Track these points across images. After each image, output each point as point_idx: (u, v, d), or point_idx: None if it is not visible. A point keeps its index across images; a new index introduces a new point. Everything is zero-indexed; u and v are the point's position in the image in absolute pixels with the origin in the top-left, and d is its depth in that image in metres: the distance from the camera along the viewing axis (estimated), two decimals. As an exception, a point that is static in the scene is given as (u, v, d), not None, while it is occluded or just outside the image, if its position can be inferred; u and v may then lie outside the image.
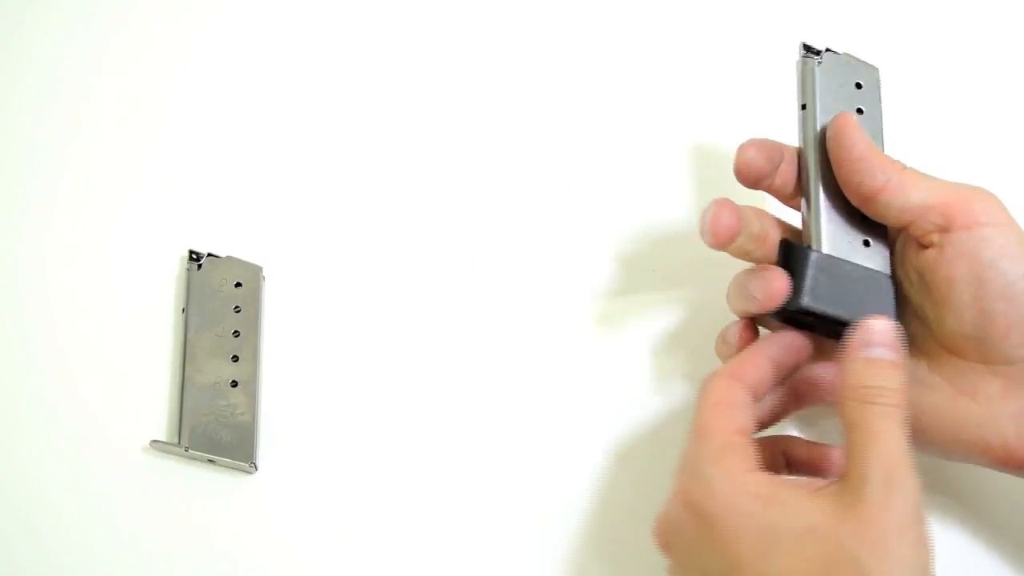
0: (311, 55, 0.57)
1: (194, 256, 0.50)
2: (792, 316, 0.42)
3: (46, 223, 0.52)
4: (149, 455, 0.48)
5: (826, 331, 0.43)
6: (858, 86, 0.45)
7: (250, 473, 0.47)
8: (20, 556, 0.46)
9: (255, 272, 0.51)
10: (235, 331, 0.49)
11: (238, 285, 0.50)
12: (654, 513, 0.42)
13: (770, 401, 0.43)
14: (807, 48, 0.45)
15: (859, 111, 0.45)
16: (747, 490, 0.37)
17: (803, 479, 0.40)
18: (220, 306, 0.50)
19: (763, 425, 0.43)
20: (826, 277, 0.42)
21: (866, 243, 0.43)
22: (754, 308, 0.42)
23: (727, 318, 0.45)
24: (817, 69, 0.44)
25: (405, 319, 0.51)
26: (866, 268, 0.43)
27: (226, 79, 0.56)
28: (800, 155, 0.44)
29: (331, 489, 0.47)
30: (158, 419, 0.48)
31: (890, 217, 0.42)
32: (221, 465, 0.47)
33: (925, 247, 0.41)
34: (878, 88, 0.46)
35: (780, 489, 0.37)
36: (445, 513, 0.47)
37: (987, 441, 0.40)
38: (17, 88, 0.56)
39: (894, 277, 0.43)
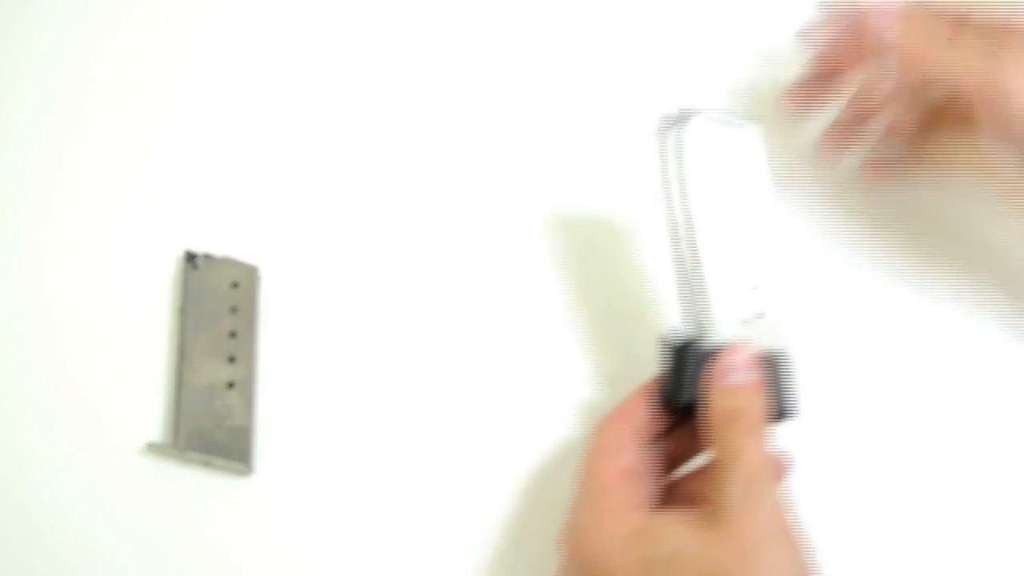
0: (307, 57, 0.57)
1: (190, 256, 0.50)
2: (690, 409, 0.41)
3: (42, 223, 0.52)
4: (145, 457, 0.47)
5: None
6: (730, 147, 0.41)
7: (246, 475, 0.47)
8: (17, 557, 0.46)
9: (251, 273, 0.50)
10: (231, 332, 0.49)
11: (234, 286, 0.50)
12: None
13: (682, 438, 0.43)
14: (670, 114, 0.41)
15: (733, 174, 0.41)
16: (621, 528, 0.39)
17: (680, 509, 0.40)
18: (216, 307, 0.49)
19: (680, 461, 0.44)
20: None
21: (760, 315, 0.42)
22: None
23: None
24: (683, 138, 0.41)
25: (401, 320, 0.51)
26: (762, 350, 0.41)
27: (223, 79, 0.56)
28: (671, 233, 0.41)
29: (327, 490, 0.47)
30: (154, 421, 0.48)
31: None
32: (217, 467, 0.47)
33: None
34: (754, 145, 0.42)
35: (653, 521, 0.39)
36: (442, 513, 0.47)
37: None
38: (13, 88, 0.56)
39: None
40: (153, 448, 0.47)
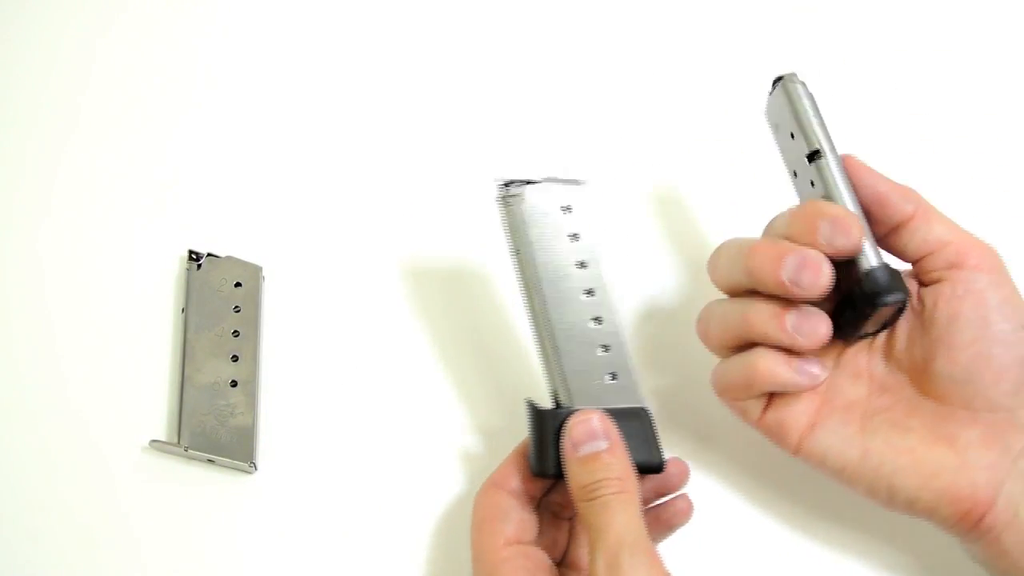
0: (309, 58, 0.57)
1: (194, 256, 0.50)
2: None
3: (46, 223, 0.53)
4: (149, 455, 0.48)
5: None
6: (567, 209, 0.43)
7: (249, 473, 0.47)
8: (20, 556, 0.46)
9: (255, 272, 0.51)
10: (235, 331, 0.49)
11: (238, 285, 0.50)
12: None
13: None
14: (505, 185, 0.42)
15: (574, 236, 0.42)
16: None
17: None
18: (220, 306, 0.50)
19: (552, 524, 0.44)
20: None
21: (613, 376, 0.42)
22: (795, 346, 0.40)
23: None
24: (521, 208, 0.42)
25: (403, 319, 0.51)
26: (621, 408, 0.41)
27: (227, 80, 0.56)
28: (525, 302, 0.42)
29: (330, 489, 0.47)
30: (158, 419, 0.48)
31: (911, 248, 0.41)
32: (220, 465, 0.47)
33: (928, 283, 0.41)
34: (589, 205, 0.43)
35: None
36: (443, 512, 0.47)
37: (958, 489, 0.39)
38: (17, 88, 0.56)
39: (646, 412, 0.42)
40: (156, 446, 0.47)
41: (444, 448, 0.48)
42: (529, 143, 0.55)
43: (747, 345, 0.41)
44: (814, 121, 0.41)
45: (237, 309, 0.50)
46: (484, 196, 0.53)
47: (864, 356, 0.43)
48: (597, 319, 0.42)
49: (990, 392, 0.39)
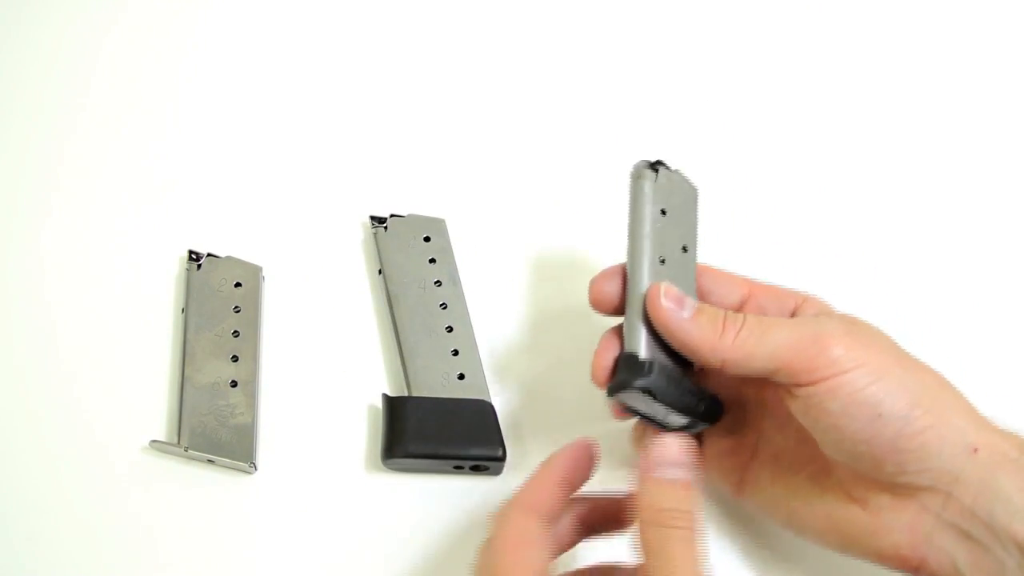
0: (309, 59, 0.57)
1: (194, 256, 0.50)
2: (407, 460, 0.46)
3: (46, 223, 0.53)
4: (149, 455, 0.48)
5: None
6: (427, 239, 0.50)
7: (249, 473, 0.47)
8: (20, 556, 0.46)
9: (255, 272, 0.51)
10: (235, 331, 0.49)
11: (238, 285, 0.50)
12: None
13: (563, 527, 0.41)
14: (375, 217, 0.50)
15: (432, 260, 0.50)
16: None
17: None
18: (220, 306, 0.50)
19: (556, 552, 0.40)
20: (430, 418, 0.46)
21: (461, 376, 0.47)
22: None
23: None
24: (387, 235, 0.50)
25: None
26: (463, 400, 0.47)
27: (227, 80, 0.56)
28: (389, 312, 0.49)
29: (330, 489, 0.47)
30: (158, 419, 0.48)
31: (737, 380, 0.41)
32: (220, 465, 0.47)
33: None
34: (447, 236, 0.50)
35: None
36: (443, 511, 0.47)
37: (880, 551, 0.39)
38: (17, 88, 0.56)
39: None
40: (156, 446, 0.47)
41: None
42: (521, 147, 0.55)
43: None
44: (639, 228, 0.40)
45: (237, 309, 0.50)
46: (481, 199, 0.54)
47: (786, 406, 0.41)
48: (449, 328, 0.49)
49: (878, 474, 0.39)
